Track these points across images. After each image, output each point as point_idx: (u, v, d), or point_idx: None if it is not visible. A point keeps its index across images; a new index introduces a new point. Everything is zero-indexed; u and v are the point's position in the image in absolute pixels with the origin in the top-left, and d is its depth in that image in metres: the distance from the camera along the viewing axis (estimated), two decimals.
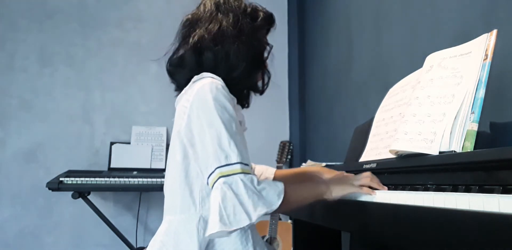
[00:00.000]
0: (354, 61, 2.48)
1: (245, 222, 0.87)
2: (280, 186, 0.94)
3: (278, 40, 3.42)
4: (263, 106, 3.27)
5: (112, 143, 3.02)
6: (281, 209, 0.93)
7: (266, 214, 0.91)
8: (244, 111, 1.27)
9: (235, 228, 0.87)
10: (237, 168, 0.92)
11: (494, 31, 0.95)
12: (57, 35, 3.15)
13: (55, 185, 2.58)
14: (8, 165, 2.98)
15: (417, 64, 1.20)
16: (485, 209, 0.61)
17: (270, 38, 1.25)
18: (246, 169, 0.94)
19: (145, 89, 3.18)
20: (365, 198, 0.96)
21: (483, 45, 0.96)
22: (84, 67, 3.17)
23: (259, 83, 1.20)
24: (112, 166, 2.95)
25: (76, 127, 3.10)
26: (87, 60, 3.18)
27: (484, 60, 0.94)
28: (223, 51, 1.09)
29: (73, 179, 2.63)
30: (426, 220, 0.71)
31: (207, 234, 0.89)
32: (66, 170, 2.88)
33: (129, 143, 3.05)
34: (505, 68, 1.16)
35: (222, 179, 0.91)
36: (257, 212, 0.88)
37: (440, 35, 1.62)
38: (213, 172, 0.93)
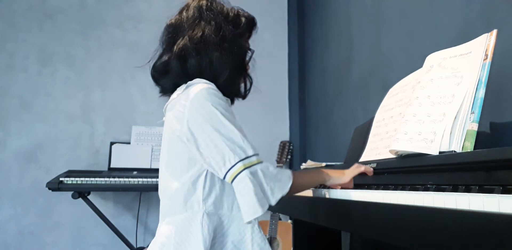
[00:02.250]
0: (354, 61, 2.48)
1: (267, 206, 1.00)
2: (288, 170, 1.07)
3: (278, 40, 3.41)
4: (263, 106, 3.29)
5: (112, 143, 3.01)
6: (290, 192, 1.03)
7: (282, 197, 1.02)
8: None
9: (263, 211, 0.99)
10: (255, 159, 1.02)
11: (494, 31, 0.95)
12: (57, 35, 3.15)
13: (55, 185, 2.58)
14: (8, 165, 2.98)
15: (417, 64, 1.20)
16: (485, 209, 0.61)
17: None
18: (260, 159, 1.04)
19: (145, 89, 3.18)
20: (365, 198, 0.96)
21: (483, 45, 0.96)
22: (84, 67, 3.17)
23: (242, 88, 1.23)
24: (112, 166, 2.95)
25: (76, 127, 3.10)
26: (87, 60, 3.18)
27: (484, 60, 0.94)
28: (207, 59, 1.12)
29: (73, 179, 2.63)
30: (426, 220, 0.71)
31: (249, 218, 0.98)
32: (66, 170, 2.88)
33: (129, 143, 3.05)
34: (505, 68, 1.16)
35: (246, 170, 1.00)
36: (275, 197, 1.01)
37: (440, 35, 1.62)
38: (233, 165, 1.00)
